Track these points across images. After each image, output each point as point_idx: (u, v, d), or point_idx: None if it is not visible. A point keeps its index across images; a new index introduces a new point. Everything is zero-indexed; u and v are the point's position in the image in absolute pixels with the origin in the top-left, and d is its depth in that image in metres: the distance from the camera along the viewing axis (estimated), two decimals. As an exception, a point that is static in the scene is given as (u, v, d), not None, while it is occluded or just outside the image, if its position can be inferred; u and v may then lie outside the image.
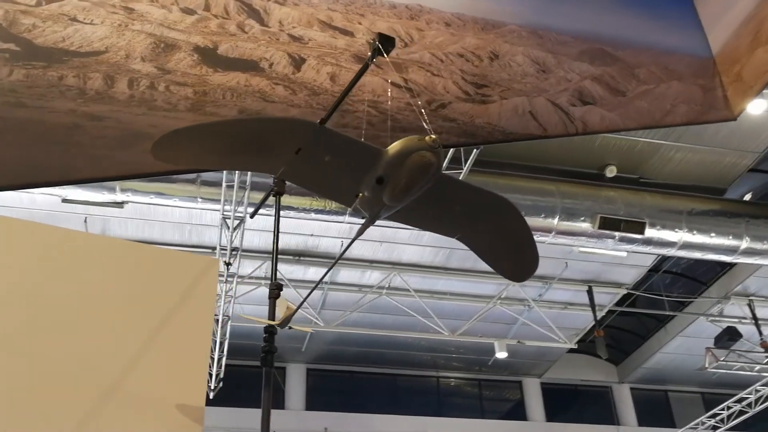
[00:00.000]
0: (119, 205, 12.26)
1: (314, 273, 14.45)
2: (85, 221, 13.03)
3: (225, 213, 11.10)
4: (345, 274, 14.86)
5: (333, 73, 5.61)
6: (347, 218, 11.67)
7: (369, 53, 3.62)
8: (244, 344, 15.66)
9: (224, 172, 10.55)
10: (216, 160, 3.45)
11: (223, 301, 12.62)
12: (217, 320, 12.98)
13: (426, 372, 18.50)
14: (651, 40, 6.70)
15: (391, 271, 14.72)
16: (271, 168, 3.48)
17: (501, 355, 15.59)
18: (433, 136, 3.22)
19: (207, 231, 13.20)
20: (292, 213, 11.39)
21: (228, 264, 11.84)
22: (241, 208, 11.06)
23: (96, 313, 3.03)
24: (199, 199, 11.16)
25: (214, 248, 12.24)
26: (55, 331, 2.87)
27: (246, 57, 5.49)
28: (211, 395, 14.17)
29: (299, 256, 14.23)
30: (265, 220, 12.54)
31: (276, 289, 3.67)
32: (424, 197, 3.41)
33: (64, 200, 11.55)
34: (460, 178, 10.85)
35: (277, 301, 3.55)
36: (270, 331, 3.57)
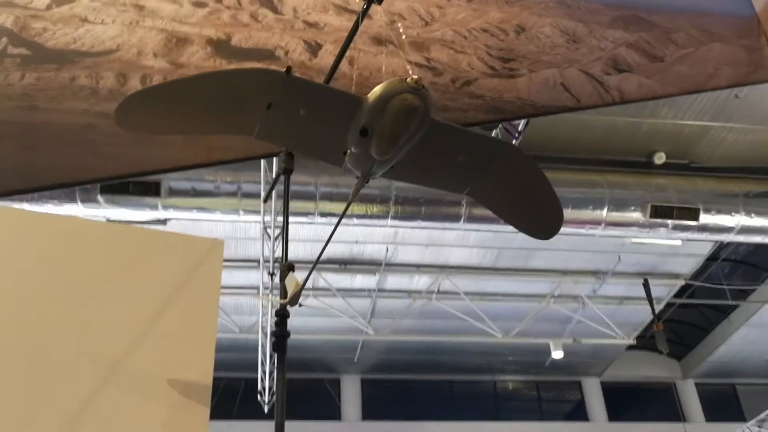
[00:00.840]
0: (162, 222, 12.25)
1: (362, 281, 14.24)
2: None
3: (266, 224, 10.99)
4: (393, 280, 14.60)
5: (351, 56, 5.39)
6: (390, 221, 11.42)
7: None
8: (296, 358, 15.59)
9: (262, 182, 10.44)
10: (185, 123, 3.18)
11: (270, 314, 12.50)
12: (266, 332, 12.87)
13: (482, 376, 18.07)
14: (686, 3, 6.34)
15: (440, 275, 14.41)
16: (245, 128, 3.17)
17: (557, 355, 15.11)
18: (414, 77, 2.93)
19: (252, 245, 13.10)
20: (334, 220, 11.19)
21: (272, 275, 11.71)
22: (280, 218, 10.92)
23: (99, 298, 2.88)
24: (241, 212, 11.06)
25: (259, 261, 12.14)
26: (57, 317, 2.73)
27: (260, 46, 5.33)
28: (266, 409, 14.06)
29: (345, 264, 14.03)
30: (310, 229, 12.45)
31: (287, 270, 3.44)
32: (418, 149, 3.11)
33: (109, 221, 11.62)
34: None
35: (286, 280, 3.32)
36: (282, 314, 3.36)
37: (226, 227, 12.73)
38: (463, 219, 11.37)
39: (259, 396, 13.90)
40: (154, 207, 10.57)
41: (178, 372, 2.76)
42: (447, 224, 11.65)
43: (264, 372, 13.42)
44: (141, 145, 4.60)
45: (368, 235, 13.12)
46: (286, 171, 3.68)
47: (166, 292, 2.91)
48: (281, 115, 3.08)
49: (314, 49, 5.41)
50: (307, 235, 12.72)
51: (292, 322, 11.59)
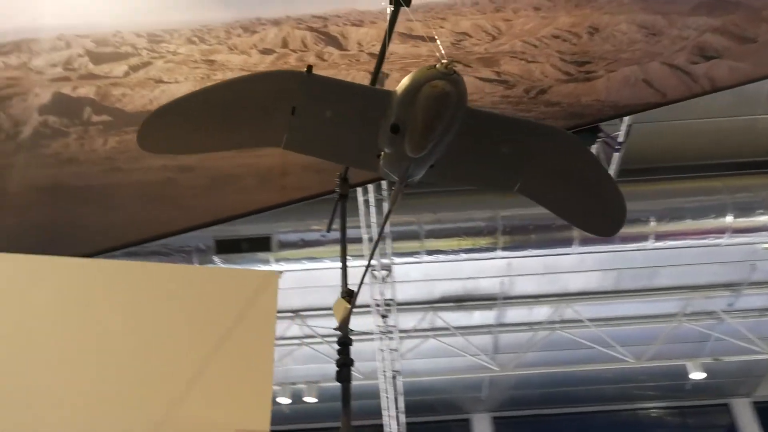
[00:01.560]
0: (279, 274, 12.41)
1: (480, 317, 13.92)
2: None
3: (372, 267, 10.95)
4: (512, 314, 14.18)
5: (419, 81, 5.32)
6: (500, 253, 11.12)
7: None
8: (422, 400, 15.36)
9: (362, 225, 10.45)
10: (211, 140, 3.08)
11: (387, 356, 12.39)
12: (386, 376, 12.75)
13: (619, 405, 17.13)
14: (775, -23, 5.88)
15: (560, 303, 13.88)
16: (273, 139, 3.03)
17: (697, 376, 14.12)
18: (444, 61, 2.61)
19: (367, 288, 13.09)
20: (441, 257, 11.03)
21: (384, 317, 11.64)
22: (385, 260, 10.88)
23: (157, 338, 2.87)
24: (349, 258, 11.06)
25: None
26: (117, 359, 2.74)
27: (328, 84, 5.34)
28: (395, 456, 13.88)
29: (460, 301, 13.77)
30: (419, 269, 12.36)
31: (347, 296, 3.31)
32: (457, 143, 2.83)
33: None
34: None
35: (334, 305, 3.17)
36: (343, 342, 3.23)
37: (336, 275, 12.72)
38: (575, 242, 10.93)
39: (386, 441, 13.75)
40: (267, 262, 10.78)
41: (236, 408, 2.69)
42: (559, 249, 11.22)
43: (388, 416, 13.26)
44: (217, 193, 4.68)
45: (480, 269, 12.83)
46: (342, 197, 3.57)
47: (223, 326, 2.87)
48: (308, 120, 2.93)
49: (380, 80, 5.37)
50: (417, 275, 12.64)
51: (414, 365, 11.48)
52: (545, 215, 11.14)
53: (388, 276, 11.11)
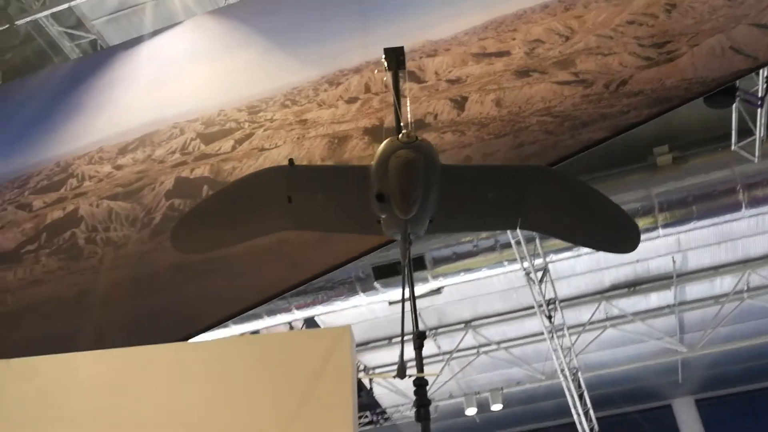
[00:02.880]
0: (438, 291, 12.74)
1: (657, 299, 13.35)
2: (419, 315, 13.51)
3: (526, 269, 10.92)
4: (693, 290, 13.45)
5: (497, 98, 5.38)
6: (661, 231, 10.68)
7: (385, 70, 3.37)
8: (616, 391, 14.92)
9: (509, 232, 10.43)
10: (230, 236, 3.43)
11: (562, 355, 12.22)
12: (566, 375, 12.57)
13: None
14: None
15: (744, 271, 13.00)
16: (282, 224, 3.35)
17: None
18: (404, 131, 2.89)
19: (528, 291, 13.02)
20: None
21: (549, 317, 11.52)
22: (538, 260, 10.80)
23: (244, 408, 3.16)
24: (505, 263, 11.15)
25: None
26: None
27: (412, 119, 5.51)
28: (594, 452, 13.60)
29: (633, 286, 13.29)
30: (583, 262, 12.15)
31: (419, 338, 3.45)
32: (447, 198, 3.04)
33: (390, 303, 12.41)
34: (756, 146, 9.42)
35: None
36: (420, 383, 3.36)
37: (500, 281, 12.79)
38: (744, 205, 10.28)
39: (582, 440, 13.50)
40: (425, 280, 11.06)
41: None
42: (728, 216, 10.59)
43: (577, 414, 13.04)
44: (319, 248, 5.00)
45: (647, 251, 12.33)
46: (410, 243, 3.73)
47: (300, 391, 3.10)
48: (305, 203, 3.20)
49: (460, 104, 5.48)
50: (583, 267, 12.41)
51: (595, 358, 11.29)
52: (702, 184, 10.60)
53: (544, 276, 11.01)
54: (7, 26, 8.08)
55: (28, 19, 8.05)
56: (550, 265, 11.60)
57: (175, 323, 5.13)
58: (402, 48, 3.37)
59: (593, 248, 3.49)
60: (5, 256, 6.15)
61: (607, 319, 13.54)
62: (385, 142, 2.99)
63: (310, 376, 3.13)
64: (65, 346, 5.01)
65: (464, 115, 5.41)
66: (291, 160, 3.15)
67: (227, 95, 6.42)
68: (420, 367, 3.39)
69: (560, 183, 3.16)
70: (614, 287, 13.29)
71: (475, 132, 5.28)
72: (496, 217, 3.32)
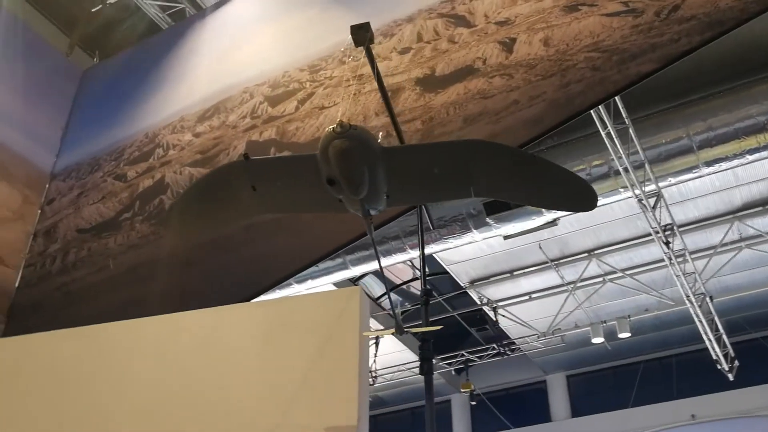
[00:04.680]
0: (553, 223, 12.55)
1: (796, 214, 12.44)
2: (540, 247, 13.41)
3: (637, 196, 10.50)
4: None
5: (545, 37, 5.20)
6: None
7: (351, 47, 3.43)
8: (750, 316, 14.16)
9: (614, 157, 10.03)
10: (214, 224, 3.69)
11: (686, 281, 11.74)
12: (692, 300, 12.10)
13: None
14: None
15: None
16: (255, 211, 3.56)
17: None
18: (334, 125, 3.04)
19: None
20: (724, 165, 10.17)
21: (667, 243, 11.07)
22: (650, 186, 10.34)
23: (269, 361, 3.47)
24: (620, 190, 10.80)
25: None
26: (226, 389, 3.43)
27: (461, 66, 5.47)
28: (731, 377, 13.10)
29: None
30: (709, 182, 11.52)
31: (425, 295, 3.58)
32: (395, 176, 3.17)
33: (505, 237, 12.41)
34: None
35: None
36: (424, 338, 3.50)
37: (621, 208, 12.34)
38: None
39: (718, 365, 13.03)
40: (540, 212, 10.92)
41: (323, 419, 3.15)
42: None
43: (709, 340, 12.57)
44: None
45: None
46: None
47: (312, 348, 3.34)
48: (269, 191, 3.38)
49: (509, 45, 5.35)
50: (708, 187, 11.77)
51: (730, 281, 10.88)
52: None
53: (658, 202, 10.54)
54: (99, 6, 8.65)
55: (119, -6, 8.55)
56: (673, 188, 11.13)
57: (251, 277, 5.50)
58: (368, 23, 3.42)
59: (554, 209, 3.49)
60: (107, 224, 6.78)
61: (742, 239, 12.80)
62: (324, 133, 3.15)
63: (325, 333, 3.39)
64: (156, 307, 5.53)
65: (512, 58, 5.28)
66: (246, 155, 3.37)
67: (291, 56, 6.59)
68: (426, 323, 3.55)
69: (496, 153, 3.21)
70: (747, 206, 12.50)
71: (522, 74, 5.15)
72: (447, 189, 3.40)
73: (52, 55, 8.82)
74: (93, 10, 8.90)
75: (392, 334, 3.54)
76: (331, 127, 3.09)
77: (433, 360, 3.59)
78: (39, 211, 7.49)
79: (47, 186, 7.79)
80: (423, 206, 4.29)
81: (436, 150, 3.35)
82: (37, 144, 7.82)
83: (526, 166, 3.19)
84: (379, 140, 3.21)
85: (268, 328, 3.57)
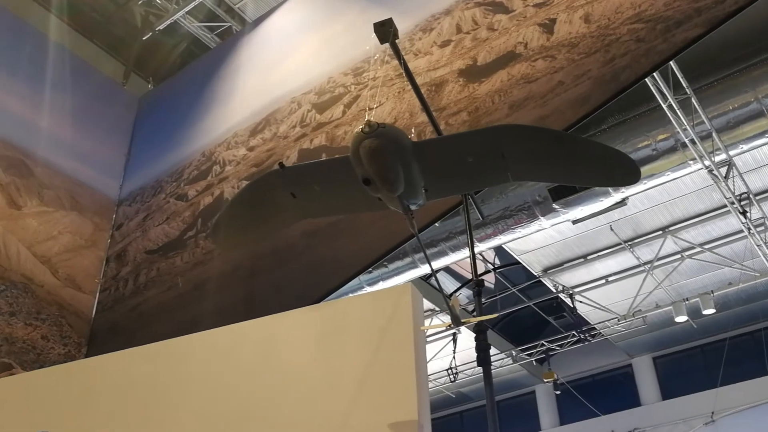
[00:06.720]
0: (622, 203, 12.24)
1: None
2: (611, 229, 13.09)
3: (707, 167, 10.15)
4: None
5: (585, 14, 5.08)
6: None
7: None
8: None
9: (679, 130, 9.73)
10: (258, 232, 3.73)
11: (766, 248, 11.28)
12: None
13: None
14: None
15: None
16: (297, 217, 3.63)
17: None
18: (361, 126, 3.06)
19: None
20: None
21: (743, 213, 10.66)
22: (720, 157, 9.99)
23: (329, 363, 3.53)
24: (689, 162, 10.47)
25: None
26: (290, 393, 3.50)
27: (502, 52, 5.40)
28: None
29: None
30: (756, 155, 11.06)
31: (477, 285, 3.55)
32: (431, 168, 3.16)
33: (574, 221, 12.18)
34: None
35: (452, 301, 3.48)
36: (480, 329, 3.46)
37: (693, 181, 11.96)
38: None
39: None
40: (606, 193, 10.67)
41: (384, 416, 3.16)
42: None
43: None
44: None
45: None
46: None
47: (368, 347, 3.37)
48: (308, 196, 3.40)
49: (549, 27, 5.25)
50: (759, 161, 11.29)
51: None
52: None
53: (729, 171, 10.16)
54: (150, 34, 8.88)
55: (168, 22, 8.76)
56: (747, 156, 10.74)
57: (315, 282, 5.58)
58: (390, 19, 3.42)
59: (596, 186, 3.42)
60: (173, 243, 6.97)
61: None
62: (353, 134, 3.17)
63: (380, 331, 3.41)
64: (224, 318, 5.65)
65: (553, 39, 5.18)
66: (281, 163, 3.41)
67: (334, 61, 6.64)
68: (480, 312, 3.53)
69: (525, 135, 3.18)
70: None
71: (565, 54, 5.05)
72: (484, 176, 3.38)
73: (103, 82, 9.05)
74: (144, 38, 9.15)
75: (448, 327, 3.53)
76: (360, 127, 3.10)
77: (489, 350, 3.56)
78: (109, 237, 7.77)
79: (115, 211, 8.06)
80: (469, 197, 4.27)
81: (466, 139, 3.36)
82: (101, 172, 8.10)
83: (559, 144, 3.15)
84: (410, 136, 3.20)
85: (325, 330, 3.61)
